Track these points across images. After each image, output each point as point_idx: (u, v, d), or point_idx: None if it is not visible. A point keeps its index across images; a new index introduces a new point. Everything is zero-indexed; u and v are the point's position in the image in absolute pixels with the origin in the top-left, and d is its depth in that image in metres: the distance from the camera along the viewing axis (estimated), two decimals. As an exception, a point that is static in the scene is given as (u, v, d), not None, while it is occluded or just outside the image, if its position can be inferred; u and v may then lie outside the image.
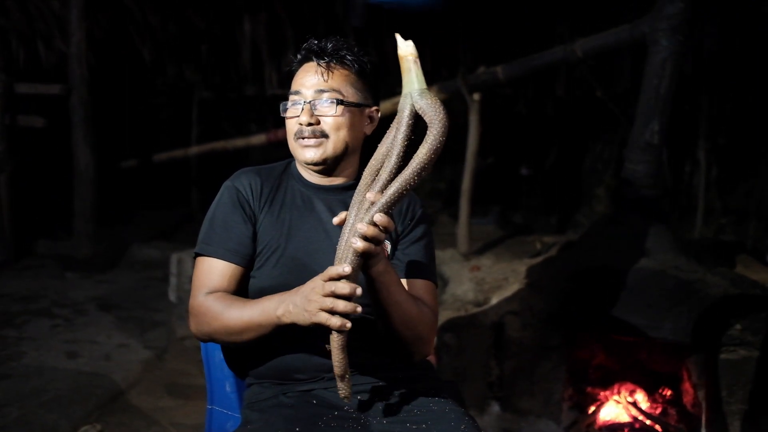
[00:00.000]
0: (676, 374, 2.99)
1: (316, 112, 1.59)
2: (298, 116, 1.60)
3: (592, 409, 3.00)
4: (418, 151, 1.27)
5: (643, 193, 3.13)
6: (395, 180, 1.28)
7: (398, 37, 1.30)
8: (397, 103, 1.34)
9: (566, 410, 3.03)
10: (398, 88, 1.35)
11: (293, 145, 1.64)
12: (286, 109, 1.64)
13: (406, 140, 1.30)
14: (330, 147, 1.60)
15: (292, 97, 1.63)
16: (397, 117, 1.32)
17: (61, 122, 5.74)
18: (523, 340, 2.99)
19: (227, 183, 1.68)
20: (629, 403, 2.97)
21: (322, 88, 1.59)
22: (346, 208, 1.63)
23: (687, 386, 2.91)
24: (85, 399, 3.01)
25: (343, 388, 1.36)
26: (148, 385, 3.28)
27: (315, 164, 1.62)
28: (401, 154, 1.30)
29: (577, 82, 6.28)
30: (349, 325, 1.30)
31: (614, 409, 2.99)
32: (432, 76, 6.59)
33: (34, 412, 2.84)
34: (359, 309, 1.30)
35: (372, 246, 1.31)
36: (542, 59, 4.36)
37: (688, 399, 2.91)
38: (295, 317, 1.38)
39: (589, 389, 3.09)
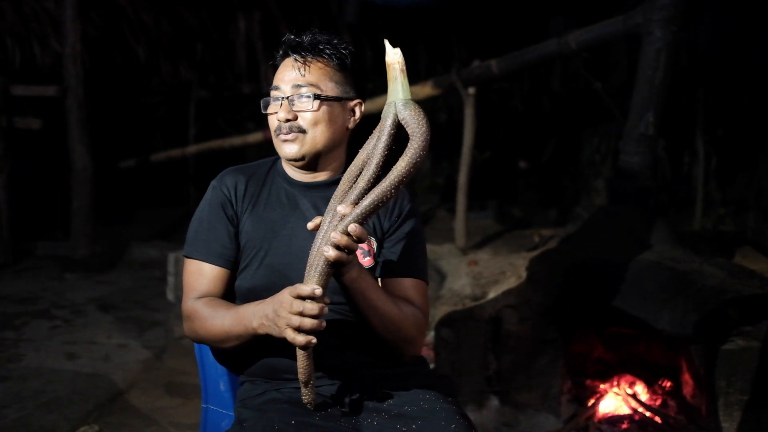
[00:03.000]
0: (675, 366, 2.99)
1: (293, 108, 1.57)
2: (277, 112, 1.59)
3: (592, 401, 3.00)
4: (398, 164, 1.25)
5: (639, 184, 3.12)
6: (372, 191, 1.26)
7: (387, 43, 1.27)
8: (378, 104, 1.33)
9: (565, 403, 3.03)
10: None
11: (275, 141, 1.63)
12: (267, 105, 1.63)
13: (387, 150, 1.28)
14: (308, 142, 1.58)
15: (272, 93, 1.62)
16: (379, 125, 1.30)
17: (58, 123, 5.74)
18: (521, 334, 2.98)
19: (213, 183, 1.68)
20: (629, 395, 2.97)
21: (299, 83, 1.57)
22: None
23: (686, 377, 2.90)
24: (84, 400, 3.01)
25: (306, 394, 1.38)
26: (147, 385, 3.28)
27: (295, 160, 1.61)
28: (380, 163, 1.28)
29: (572, 75, 6.28)
30: (314, 341, 1.30)
31: (614, 401, 2.99)
32: (427, 71, 6.60)
33: (33, 414, 2.84)
34: (324, 324, 1.31)
35: (344, 255, 1.31)
36: (536, 52, 4.36)
37: (687, 390, 2.90)
38: (268, 330, 1.39)
39: (588, 382, 3.08)
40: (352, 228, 1.28)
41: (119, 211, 7.17)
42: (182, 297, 1.62)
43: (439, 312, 3.10)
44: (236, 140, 6.88)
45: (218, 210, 1.63)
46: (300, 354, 1.33)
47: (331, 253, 1.29)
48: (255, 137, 6.63)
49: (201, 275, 1.60)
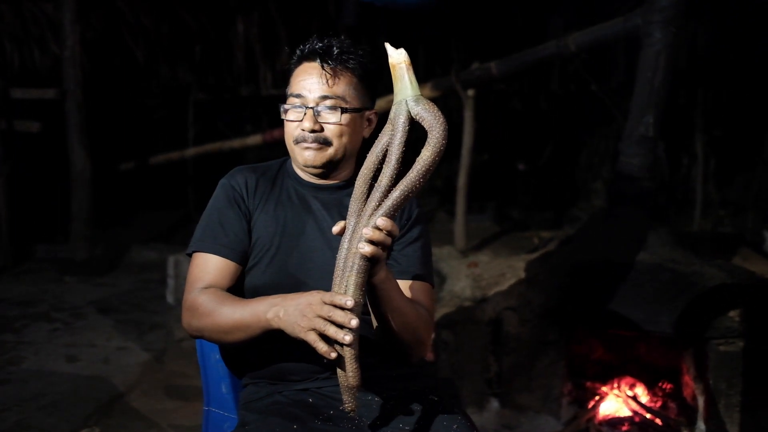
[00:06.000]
0: (675, 367, 2.99)
1: (319, 119, 1.57)
2: (300, 121, 1.58)
3: (592, 403, 3.00)
4: (422, 154, 1.26)
5: (639, 186, 3.12)
6: (400, 183, 1.28)
7: (388, 46, 1.29)
8: (390, 102, 1.34)
9: (565, 405, 3.03)
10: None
11: (292, 147, 1.62)
12: (286, 111, 1.61)
13: (404, 146, 1.30)
14: (331, 153, 1.59)
15: (293, 100, 1.60)
16: (390, 124, 1.31)
17: (57, 126, 5.74)
18: (521, 336, 2.98)
19: (223, 181, 1.68)
20: (629, 397, 2.97)
21: (326, 94, 1.56)
22: (342, 207, 1.63)
23: (686, 379, 2.91)
24: (84, 402, 3.01)
25: (349, 401, 1.33)
26: (147, 388, 3.28)
27: (314, 167, 1.61)
28: (400, 159, 1.30)
29: (571, 77, 6.27)
30: (334, 355, 1.27)
31: (614, 403, 2.99)
32: (425, 73, 6.60)
33: (33, 416, 2.85)
34: (347, 338, 1.25)
35: (378, 251, 1.29)
36: (536, 54, 4.36)
37: (687, 392, 2.91)
38: (284, 326, 1.35)
39: (588, 384, 3.09)
40: (382, 222, 1.28)
41: (118, 214, 7.16)
42: (185, 289, 1.57)
43: (439, 314, 3.11)
44: (235, 143, 6.88)
45: (231, 205, 1.62)
46: (348, 355, 1.28)
47: (367, 248, 1.27)
48: (254, 140, 6.63)
49: (207, 266, 1.57)
